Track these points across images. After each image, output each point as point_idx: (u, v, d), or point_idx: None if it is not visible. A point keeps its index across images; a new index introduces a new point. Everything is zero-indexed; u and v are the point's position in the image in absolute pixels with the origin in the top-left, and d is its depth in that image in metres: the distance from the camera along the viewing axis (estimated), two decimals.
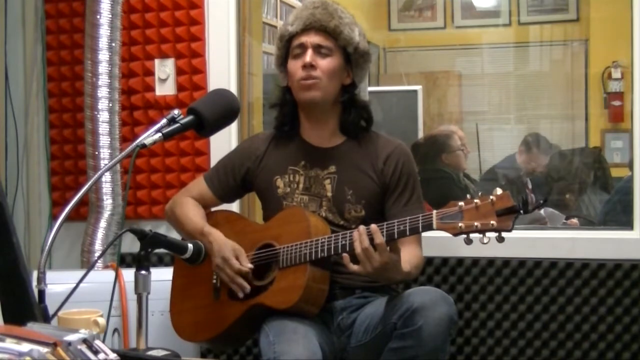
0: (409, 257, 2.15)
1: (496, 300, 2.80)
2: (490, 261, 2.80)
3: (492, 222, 1.87)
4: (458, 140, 4.13)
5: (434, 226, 1.97)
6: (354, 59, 2.33)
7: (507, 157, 4.76)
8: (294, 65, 2.30)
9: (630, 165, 2.86)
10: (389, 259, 2.01)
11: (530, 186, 4.16)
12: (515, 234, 2.77)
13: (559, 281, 2.76)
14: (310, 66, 2.26)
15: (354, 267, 2.04)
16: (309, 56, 2.26)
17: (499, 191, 1.89)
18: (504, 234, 1.90)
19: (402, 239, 2.06)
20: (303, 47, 2.29)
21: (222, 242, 2.28)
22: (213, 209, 2.49)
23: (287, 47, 2.34)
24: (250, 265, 2.25)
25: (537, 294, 2.77)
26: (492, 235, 1.89)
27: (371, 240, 2.01)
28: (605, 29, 5.06)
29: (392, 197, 2.30)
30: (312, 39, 2.28)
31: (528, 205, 1.85)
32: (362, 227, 2.03)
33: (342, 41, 2.29)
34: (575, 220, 3.76)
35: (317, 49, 2.28)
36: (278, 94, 2.42)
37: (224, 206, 2.55)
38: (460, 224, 1.91)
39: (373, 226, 2.01)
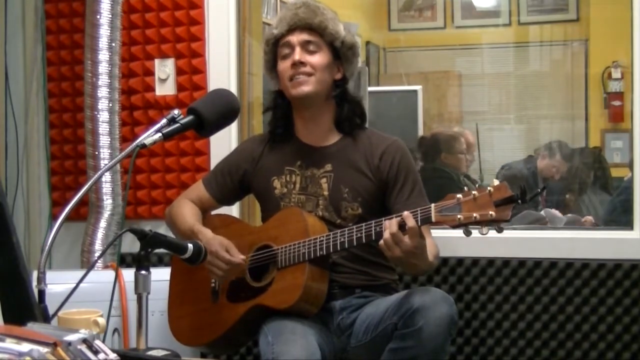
0: (428, 247, 2.12)
1: (496, 300, 2.80)
2: (490, 261, 2.79)
3: (490, 212, 1.88)
4: (463, 143, 4.14)
5: (433, 219, 1.96)
6: (342, 52, 2.33)
7: (526, 158, 4.75)
8: (284, 65, 2.30)
9: (630, 165, 2.86)
10: (418, 244, 2.00)
11: (544, 191, 4.15)
12: (515, 234, 2.82)
13: (559, 281, 2.76)
14: (300, 63, 2.26)
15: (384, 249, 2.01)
16: (297, 54, 2.27)
17: (496, 182, 1.90)
18: (503, 226, 1.90)
19: None
20: (290, 47, 2.29)
21: (210, 238, 2.28)
22: (212, 213, 2.49)
23: (275, 51, 2.34)
24: (242, 256, 2.24)
25: (537, 294, 2.77)
26: (492, 226, 1.90)
27: (401, 227, 1.99)
28: (605, 29, 5.07)
29: (394, 192, 2.29)
30: (298, 37, 2.29)
31: (526, 195, 1.86)
32: (406, 213, 1.99)
33: (328, 36, 2.30)
34: (590, 218, 3.77)
35: (305, 46, 2.28)
36: (270, 98, 2.43)
37: (224, 209, 2.55)
38: (459, 216, 1.91)
39: (406, 213, 1.99)
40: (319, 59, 2.28)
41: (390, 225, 1.99)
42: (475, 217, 1.89)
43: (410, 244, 1.98)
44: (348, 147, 2.34)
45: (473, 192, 1.91)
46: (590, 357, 2.72)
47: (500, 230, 1.90)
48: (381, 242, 2.01)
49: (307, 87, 2.27)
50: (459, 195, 1.93)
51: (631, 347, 2.70)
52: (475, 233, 1.91)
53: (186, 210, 2.42)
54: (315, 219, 2.26)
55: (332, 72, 2.33)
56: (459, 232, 1.95)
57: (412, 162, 2.35)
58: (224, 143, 2.91)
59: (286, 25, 2.30)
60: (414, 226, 1.97)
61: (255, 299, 2.23)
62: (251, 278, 2.26)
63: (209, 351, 2.49)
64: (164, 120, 1.96)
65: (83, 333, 1.29)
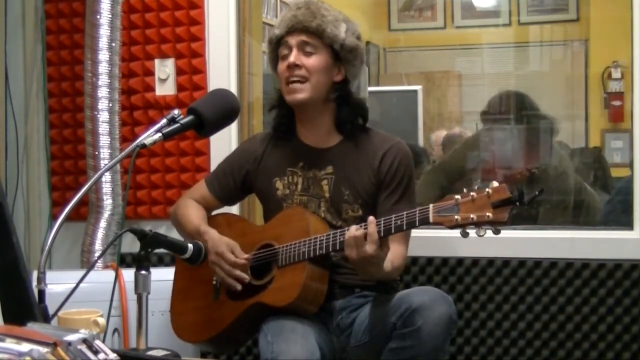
0: (392, 256, 2.15)
1: (496, 300, 2.80)
2: (490, 261, 2.79)
3: (487, 214, 1.88)
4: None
5: (431, 219, 1.97)
6: (342, 55, 2.31)
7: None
8: (281, 67, 2.31)
9: (630, 165, 2.86)
10: (375, 253, 2.01)
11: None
12: (516, 234, 2.81)
13: (559, 281, 2.75)
14: (294, 66, 2.26)
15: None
16: (293, 56, 2.27)
17: (495, 184, 1.90)
18: (501, 227, 1.90)
19: (389, 235, 2.06)
20: (289, 48, 2.29)
21: (216, 239, 2.28)
22: (214, 212, 2.50)
23: (277, 51, 2.35)
24: (246, 256, 2.25)
25: (537, 294, 2.77)
26: (489, 228, 1.90)
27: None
28: (605, 29, 5.06)
29: (384, 194, 2.29)
30: (296, 39, 2.28)
31: (524, 197, 1.86)
32: (371, 218, 2.03)
33: (327, 39, 2.29)
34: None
35: (302, 47, 2.28)
36: (274, 96, 2.43)
37: (226, 208, 2.55)
38: (456, 217, 1.92)
39: (371, 218, 2.02)
40: (315, 61, 2.27)
41: (351, 229, 2.02)
42: (472, 218, 1.90)
43: (368, 251, 2.00)
44: (349, 148, 2.34)
45: (471, 193, 1.92)
46: (590, 357, 2.72)
47: (497, 232, 1.91)
48: (346, 238, 2.03)
49: (300, 94, 2.27)
50: (457, 196, 1.93)
51: (631, 347, 2.70)
52: (472, 234, 1.92)
53: (191, 211, 2.42)
54: (317, 218, 2.27)
55: (331, 74, 2.31)
56: (458, 232, 1.95)
57: (411, 166, 2.34)
58: (224, 143, 2.91)
59: (285, 27, 2.30)
60: (372, 232, 1.99)
61: (254, 297, 2.23)
62: (253, 277, 2.26)
63: (209, 349, 2.49)
64: (164, 120, 1.97)
65: (83, 333, 1.29)
